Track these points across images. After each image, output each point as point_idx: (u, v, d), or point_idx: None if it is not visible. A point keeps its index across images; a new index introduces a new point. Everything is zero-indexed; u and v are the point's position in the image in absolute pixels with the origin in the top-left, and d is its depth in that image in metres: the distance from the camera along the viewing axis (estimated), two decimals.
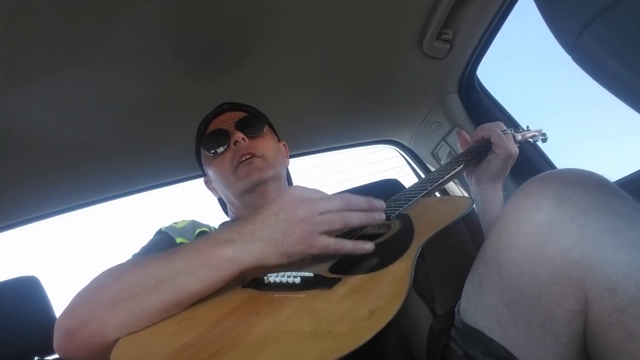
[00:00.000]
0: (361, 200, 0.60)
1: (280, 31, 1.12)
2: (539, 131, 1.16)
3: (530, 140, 1.14)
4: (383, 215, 0.60)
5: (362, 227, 0.72)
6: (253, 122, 1.03)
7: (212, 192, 1.12)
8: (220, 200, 1.14)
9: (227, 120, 1.02)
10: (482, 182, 0.96)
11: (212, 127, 1.04)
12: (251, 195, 0.97)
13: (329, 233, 0.57)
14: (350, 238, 0.62)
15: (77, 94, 1.11)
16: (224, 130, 1.00)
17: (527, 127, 1.17)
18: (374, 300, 0.45)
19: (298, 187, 0.61)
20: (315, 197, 0.59)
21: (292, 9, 1.06)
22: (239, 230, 0.58)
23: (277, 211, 0.57)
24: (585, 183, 0.49)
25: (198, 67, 1.17)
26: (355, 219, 0.58)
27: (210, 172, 1.05)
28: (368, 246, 0.56)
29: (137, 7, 0.92)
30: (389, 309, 0.42)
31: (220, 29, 1.06)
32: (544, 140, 1.18)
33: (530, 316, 0.47)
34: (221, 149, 0.99)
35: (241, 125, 1.00)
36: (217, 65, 1.18)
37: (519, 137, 1.08)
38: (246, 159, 0.96)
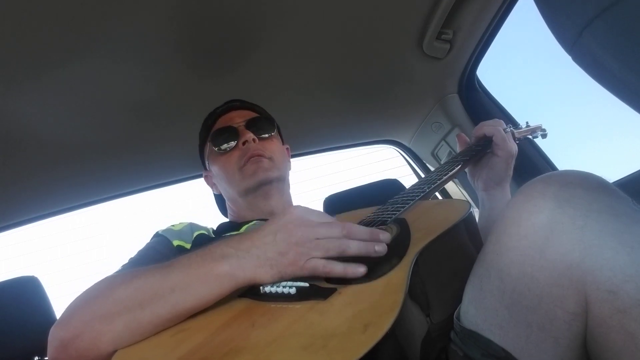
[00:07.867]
0: (363, 232, 0.57)
1: (282, 31, 1.12)
2: (539, 127, 1.15)
3: (530, 136, 1.12)
4: (384, 248, 0.56)
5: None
6: (263, 123, 1.02)
7: (212, 188, 1.11)
8: (218, 198, 1.12)
9: (236, 118, 1.01)
10: (490, 188, 0.95)
11: (221, 123, 1.03)
12: (255, 194, 0.96)
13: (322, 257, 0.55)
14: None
15: (78, 93, 1.11)
16: (234, 128, 1.00)
17: (527, 123, 1.16)
18: (369, 313, 0.45)
19: (300, 207, 0.61)
20: (316, 220, 0.58)
21: (292, 9, 1.06)
22: (236, 246, 0.57)
23: (275, 230, 0.57)
24: (585, 185, 0.49)
25: (199, 66, 1.17)
26: (354, 247, 0.55)
27: (214, 168, 1.04)
28: (361, 269, 0.53)
29: (140, 3, 0.91)
30: (383, 322, 0.42)
31: (221, 28, 1.06)
32: (544, 136, 1.16)
33: (531, 318, 0.47)
34: (229, 146, 0.98)
35: (251, 125, 1.00)
36: (218, 64, 1.18)
37: (517, 134, 1.07)
38: (254, 158, 0.96)
